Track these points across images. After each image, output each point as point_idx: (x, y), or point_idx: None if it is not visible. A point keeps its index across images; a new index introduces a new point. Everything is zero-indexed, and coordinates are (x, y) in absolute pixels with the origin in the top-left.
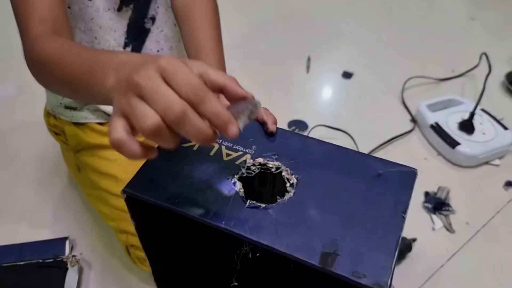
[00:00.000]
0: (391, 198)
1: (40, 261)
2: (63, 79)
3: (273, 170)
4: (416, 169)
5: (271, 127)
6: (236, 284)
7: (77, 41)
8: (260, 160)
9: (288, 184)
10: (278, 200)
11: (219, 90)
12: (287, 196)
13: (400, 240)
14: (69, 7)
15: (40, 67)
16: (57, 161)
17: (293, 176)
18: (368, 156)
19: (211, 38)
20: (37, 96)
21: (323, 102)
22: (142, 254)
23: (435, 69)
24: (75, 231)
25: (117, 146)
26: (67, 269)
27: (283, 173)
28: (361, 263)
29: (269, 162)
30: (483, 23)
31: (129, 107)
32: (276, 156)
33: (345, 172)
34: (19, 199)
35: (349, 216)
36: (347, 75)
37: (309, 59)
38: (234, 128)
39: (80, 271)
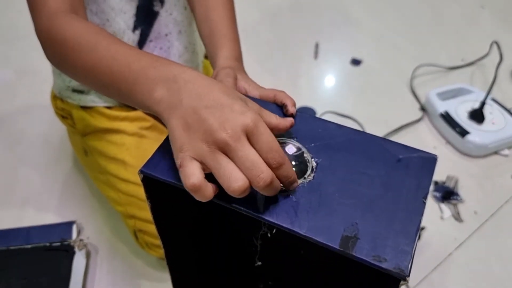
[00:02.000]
0: (412, 183)
1: (47, 244)
2: (91, 71)
3: (294, 151)
4: (436, 155)
5: (291, 109)
6: (260, 263)
7: (91, 21)
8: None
9: (309, 167)
10: (298, 183)
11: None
12: (307, 179)
13: (420, 225)
14: None
15: (62, 50)
16: (62, 144)
17: (313, 159)
18: (388, 141)
19: (226, 19)
20: (40, 79)
21: (331, 89)
22: (150, 239)
23: (445, 57)
24: (81, 215)
25: (194, 190)
26: (74, 252)
27: (305, 155)
28: (381, 247)
29: (289, 141)
30: (493, 11)
31: (216, 164)
32: (296, 139)
33: (365, 157)
34: (24, 183)
35: (369, 200)
36: (355, 62)
37: (317, 46)
38: (296, 185)
39: (88, 255)
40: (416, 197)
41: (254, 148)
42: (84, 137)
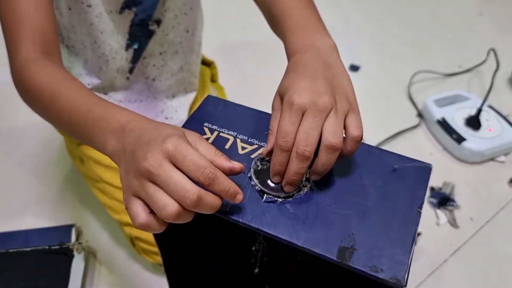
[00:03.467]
0: (407, 193)
1: (46, 247)
2: (56, 120)
3: None
4: (431, 165)
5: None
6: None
7: (78, 42)
8: None
9: (304, 178)
10: (295, 195)
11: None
12: (303, 190)
13: (416, 235)
14: (69, 9)
15: (31, 97)
16: (61, 149)
17: (309, 170)
18: (383, 150)
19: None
20: None
21: None
22: (146, 246)
23: (442, 64)
24: (80, 219)
25: (144, 228)
26: (73, 256)
27: None
28: (378, 257)
29: None
30: (491, 18)
31: (145, 194)
32: None
33: (361, 167)
34: (24, 186)
35: (365, 211)
36: (354, 67)
37: None
38: (240, 197)
39: (86, 259)
40: (412, 207)
41: (182, 170)
42: (79, 146)
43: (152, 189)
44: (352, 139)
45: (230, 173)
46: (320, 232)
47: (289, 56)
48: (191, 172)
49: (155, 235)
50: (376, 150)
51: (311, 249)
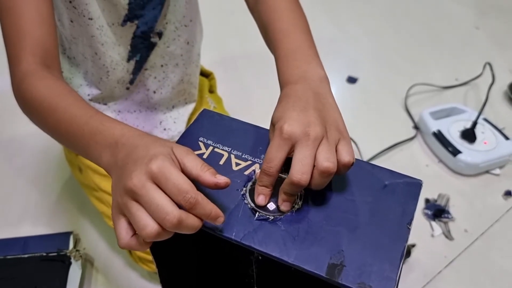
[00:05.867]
0: (397, 210)
1: (44, 254)
2: (54, 132)
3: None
4: (421, 181)
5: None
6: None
7: (79, 53)
8: None
9: (297, 196)
10: (287, 212)
11: (194, 179)
12: (295, 207)
13: (405, 251)
14: (71, 21)
15: (30, 109)
16: (59, 157)
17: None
18: (375, 166)
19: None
20: None
21: None
22: (142, 254)
23: (439, 77)
24: (78, 227)
25: (127, 248)
26: (70, 263)
27: None
28: (367, 274)
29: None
30: (488, 32)
31: (128, 212)
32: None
33: (352, 183)
34: (23, 193)
35: (355, 227)
36: (351, 80)
37: None
38: (221, 219)
39: (84, 266)
40: (401, 224)
41: (165, 192)
42: (78, 155)
43: (135, 208)
44: (343, 165)
45: (215, 188)
46: (310, 249)
47: (281, 85)
48: (173, 195)
49: (151, 248)
50: (367, 166)
51: (301, 266)
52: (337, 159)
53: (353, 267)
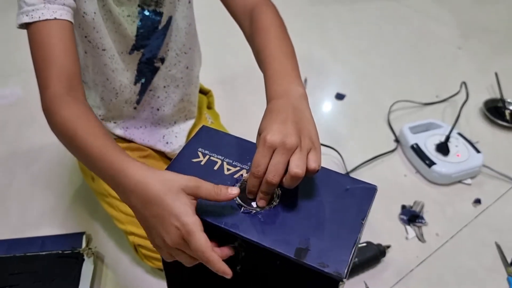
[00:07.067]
0: (354, 208)
1: (60, 252)
2: (75, 155)
3: None
4: (376, 186)
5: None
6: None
7: (91, 79)
8: None
9: (275, 195)
10: (266, 208)
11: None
12: (273, 204)
13: (358, 240)
14: (85, 52)
15: (56, 132)
16: (73, 165)
17: (278, 188)
18: (340, 174)
19: (274, 56)
20: None
21: (317, 120)
22: (147, 252)
23: (421, 93)
24: (90, 227)
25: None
26: (83, 260)
27: None
28: (326, 256)
29: None
30: (469, 53)
31: (169, 253)
32: None
33: (320, 187)
34: (40, 198)
35: (320, 221)
36: (339, 96)
37: (305, 81)
38: (229, 273)
39: (95, 262)
40: (357, 219)
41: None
42: None
43: (174, 253)
44: (310, 171)
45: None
46: (283, 236)
47: (267, 100)
48: (193, 254)
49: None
50: (334, 174)
51: (275, 249)
52: (307, 165)
53: (316, 251)
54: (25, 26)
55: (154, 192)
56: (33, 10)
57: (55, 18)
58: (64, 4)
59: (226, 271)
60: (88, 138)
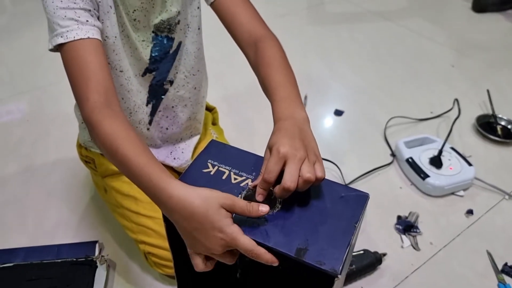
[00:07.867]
0: (348, 213)
1: (74, 259)
2: (122, 171)
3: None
4: (368, 194)
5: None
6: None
7: None
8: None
9: (278, 201)
10: (270, 213)
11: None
12: (276, 209)
13: (351, 241)
14: None
15: (98, 144)
16: (86, 178)
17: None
18: (336, 183)
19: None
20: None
21: (317, 135)
22: (157, 260)
23: (416, 110)
24: (102, 236)
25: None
26: (96, 267)
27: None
28: (323, 255)
29: None
30: (462, 70)
31: (206, 259)
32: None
33: (318, 194)
34: (55, 209)
35: (318, 224)
36: (338, 112)
37: (306, 98)
38: (276, 261)
39: (107, 269)
40: (350, 223)
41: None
42: (104, 178)
43: (217, 256)
44: (317, 179)
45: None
46: (284, 238)
47: (275, 120)
48: (241, 251)
49: (170, 240)
50: (330, 183)
51: (278, 249)
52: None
53: (314, 250)
54: (56, 48)
55: (195, 208)
56: (67, 31)
57: (89, 37)
58: (94, 25)
59: (274, 260)
60: (129, 155)
